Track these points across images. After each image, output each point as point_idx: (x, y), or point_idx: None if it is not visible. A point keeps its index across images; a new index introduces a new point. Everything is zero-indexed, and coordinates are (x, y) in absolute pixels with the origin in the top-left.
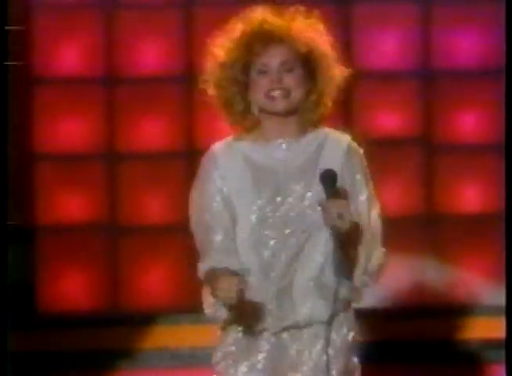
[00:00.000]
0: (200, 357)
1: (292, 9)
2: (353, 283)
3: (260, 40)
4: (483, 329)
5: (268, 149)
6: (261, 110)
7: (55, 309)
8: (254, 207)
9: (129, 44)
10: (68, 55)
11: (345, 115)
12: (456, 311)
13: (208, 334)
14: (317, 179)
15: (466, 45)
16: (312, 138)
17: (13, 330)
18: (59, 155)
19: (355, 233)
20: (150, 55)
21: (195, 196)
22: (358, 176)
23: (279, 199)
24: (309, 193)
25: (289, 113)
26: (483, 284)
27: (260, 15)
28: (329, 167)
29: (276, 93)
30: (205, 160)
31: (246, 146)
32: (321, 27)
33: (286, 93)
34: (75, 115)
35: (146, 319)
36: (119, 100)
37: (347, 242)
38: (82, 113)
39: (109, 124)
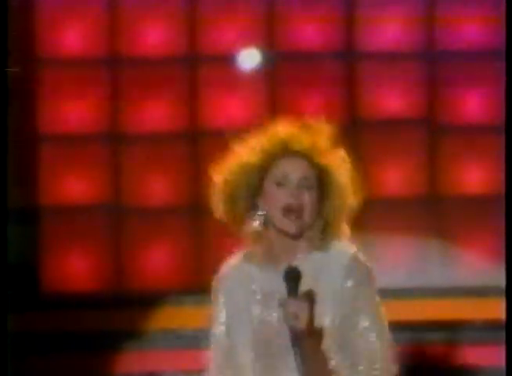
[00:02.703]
0: (203, 339)
1: (317, 125)
2: None
3: (282, 150)
4: (483, 310)
5: (274, 273)
6: (273, 225)
7: (58, 290)
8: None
9: (133, 24)
10: (72, 35)
11: (348, 96)
12: (456, 292)
13: None
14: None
15: (469, 26)
16: (319, 257)
17: (16, 311)
18: (63, 136)
19: (318, 341)
20: (154, 35)
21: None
22: (361, 290)
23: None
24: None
25: (300, 234)
26: (484, 265)
27: (283, 128)
28: (331, 280)
29: (292, 207)
30: (213, 283)
31: (254, 270)
32: (342, 151)
33: (300, 209)
34: (79, 96)
35: (149, 301)
36: (123, 81)
37: (310, 349)
38: (86, 94)
39: (113, 105)
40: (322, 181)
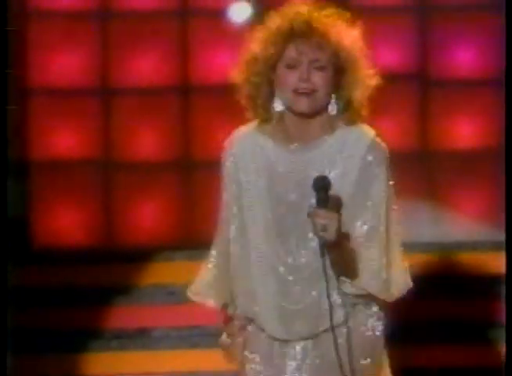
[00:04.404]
0: None
1: (331, 8)
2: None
3: (292, 34)
4: (481, 265)
5: (287, 151)
6: (287, 108)
7: (49, 245)
8: (268, 207)
9: None
10: None
11: None
12: (454, 247)
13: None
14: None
15: None
16: (336, 139)
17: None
18: (53, 89)
19: (346, 246)
20: None
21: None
22: (377, 172)
23: (293, 202)
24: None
25: (313, 113)
26: (478, 220)
27: (297, 9)
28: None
29: (302, 90)
30: (224, 147)
31: (266, 142)
32: (356, 31)
33: (311, 92)
34: (69, 49)
35: (140, 256)
36: (113, 34)
37: (339, 253)
38: (76, 47)
39: (104, 59)
40: (337, 60)
